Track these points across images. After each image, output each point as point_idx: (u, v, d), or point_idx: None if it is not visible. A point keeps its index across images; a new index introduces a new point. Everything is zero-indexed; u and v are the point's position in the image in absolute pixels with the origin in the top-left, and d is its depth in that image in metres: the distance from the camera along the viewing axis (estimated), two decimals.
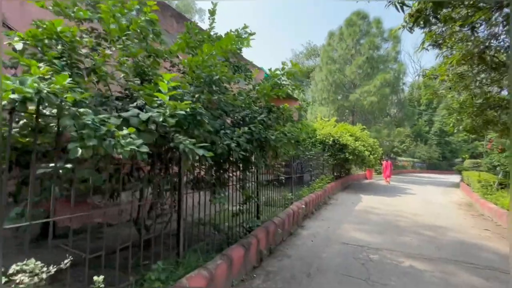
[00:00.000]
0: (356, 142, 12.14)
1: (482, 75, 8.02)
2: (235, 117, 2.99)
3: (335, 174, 12.95)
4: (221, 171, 3.52)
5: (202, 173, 3.44)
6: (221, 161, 2.98)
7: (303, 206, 5.70)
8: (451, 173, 28.97)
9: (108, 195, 3.59)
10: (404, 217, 7.01)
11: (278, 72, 3.32)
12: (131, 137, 1.86)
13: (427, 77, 9.39)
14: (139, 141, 1.84)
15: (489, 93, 8.44)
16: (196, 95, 2.39)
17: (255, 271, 3.41)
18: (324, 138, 11.50)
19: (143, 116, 2.05)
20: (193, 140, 2.00)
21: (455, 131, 10.13)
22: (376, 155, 13.70)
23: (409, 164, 32.08)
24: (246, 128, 2.63)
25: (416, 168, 32.45)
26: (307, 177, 9.17)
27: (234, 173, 3.82)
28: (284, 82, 3.38)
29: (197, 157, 2.11)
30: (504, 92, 8.70)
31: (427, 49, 8.26)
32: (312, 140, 11.47)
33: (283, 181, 5.50)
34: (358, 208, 8.08)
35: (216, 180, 3.57)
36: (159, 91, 1.91)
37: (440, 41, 7.91)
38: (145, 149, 1.84)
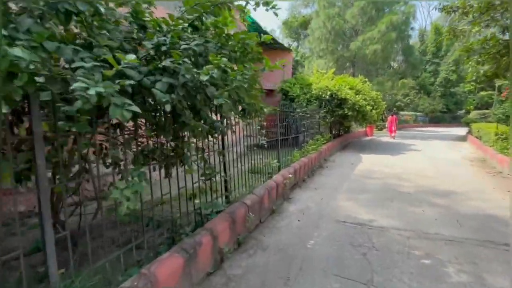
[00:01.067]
0: (357, 96, 10.70)
1: None
2: (143, 46, 1.67)
3: (333, 132, 11.77)
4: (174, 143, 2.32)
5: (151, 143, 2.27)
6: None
7: (290, 175, 4.61)
8: (454, 126, 27.80)
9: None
10: (412, 181, 5.98)
11: None
12: None
13: (445, 10, 7.69)
14: None
15: None
16: None
17: (209, 280, 2.40)
18: (320, 93, 10.04)
19: None
20: None
21: (474, 77, 8.67)
22: (378, 110, 12.34)
23: (411, 118, 30.71)
24: (132, 56, 1.33)
25: (418, 122, 31.16)
26: (302, 138, 8.00)
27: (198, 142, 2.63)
28: None
29: None
30: None
31: None
32: (307, 96, 10.06)
33: (265, 145, 4.31)
34: (357, 171, 7.05)
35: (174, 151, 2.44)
36: None
37: None
38: None
